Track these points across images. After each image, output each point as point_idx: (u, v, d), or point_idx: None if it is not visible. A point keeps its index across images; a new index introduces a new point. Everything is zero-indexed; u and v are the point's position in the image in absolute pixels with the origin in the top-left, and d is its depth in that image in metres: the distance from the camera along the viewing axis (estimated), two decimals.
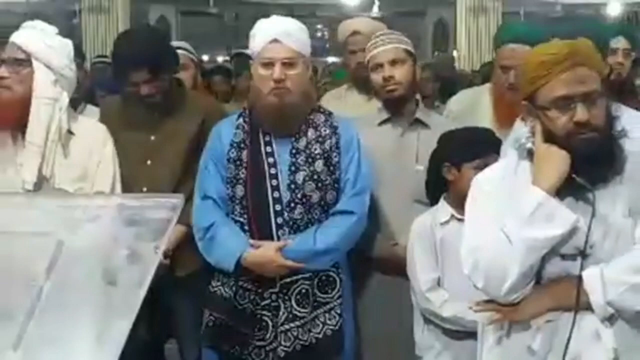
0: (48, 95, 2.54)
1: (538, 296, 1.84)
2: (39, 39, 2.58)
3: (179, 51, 3.29)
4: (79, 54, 3.50)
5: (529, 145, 1.87)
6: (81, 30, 9.97)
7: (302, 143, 2.57)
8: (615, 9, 12.88)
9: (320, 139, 2.58)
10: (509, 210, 1.83)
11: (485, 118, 3.02)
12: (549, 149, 1.81)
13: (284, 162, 2.56)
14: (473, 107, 3.06)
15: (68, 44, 2.66)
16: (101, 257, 1.20)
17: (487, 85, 3.22)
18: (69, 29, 10.56)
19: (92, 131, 2.68)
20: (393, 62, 2.82)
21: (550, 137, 1.82)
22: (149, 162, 2.85)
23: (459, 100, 3.31)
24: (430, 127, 2.85)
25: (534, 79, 1.84)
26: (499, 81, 3.03)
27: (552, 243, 1.79)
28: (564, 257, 1.82)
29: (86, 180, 2.59)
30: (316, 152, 2.56)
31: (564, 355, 1.78)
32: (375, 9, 13.10)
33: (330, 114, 2.68)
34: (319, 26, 16.44)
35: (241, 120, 2.63)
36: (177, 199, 1.20)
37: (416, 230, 2.63)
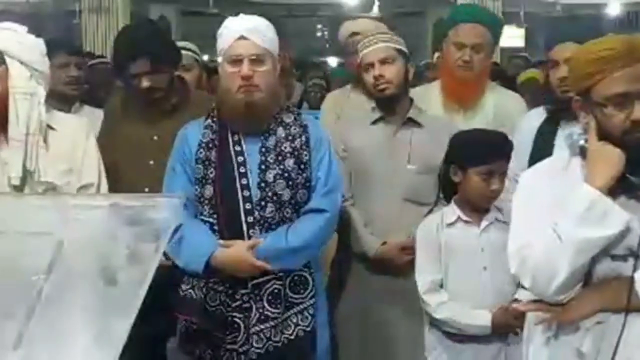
0: (24, 90, 2.56)
1: (588, 296, 1.80)
2: (9, 37, 2.61)
3: (184, 52, 3.29)
4: (82, 54, 3.49)
5: (582, 142, 1.83)
6: (81, 30, 9.96)
7: (272, 141, 2.55)
8: (615, 9, 12.87)
9: (290, 137, 2.56)
10: (560, 208, 1.78)
11: (437, 108, 3.07)
12: (604, 147, 1.77)
13: (254, 161, 2.53)
14: (423, 101, 3.06)
15: (39, 41, 2.65)
16: (101, 257, 1.20)
17: (438, 81, 3.26)
18: (69, 29, 10.56)
19: (73, 125, 2.65)
20: (383, 61, 2.83)
21: (604, 134, 1.79)
22: (151, 162, 2.84)
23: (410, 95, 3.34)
24: (423, 126, 2.85)
25: (589, 74, 1.79)
26: (450, 58, 3.07)
27: (604, 243, 1.75)
28: (614, 257, 1.78)
29: (73, 174, 2.59)
30: (286, 150, 2.54)
31: (612, 358, 1.74)
32: (375, 9, 13.09)
33: (299, 113, 2.67)
34: (319, 26, 16.44)
35: (209, 120, 2.60)
36: (178, 199, 1.20)
37: (421, 232, 2.63)
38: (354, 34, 3.46)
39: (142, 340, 2.50)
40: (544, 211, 1.82)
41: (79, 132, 2.63)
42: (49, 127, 2.61)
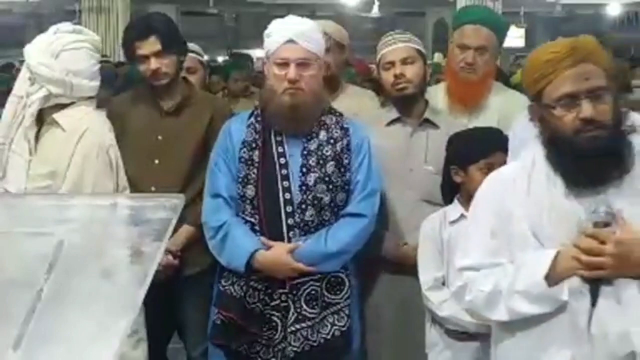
0: (17, 93, 2.59)
1: None
2: (34, 39, 2.63)
3: (189, 54, 3.29)
4: None
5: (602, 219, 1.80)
6: None
7: (314, 144, 2.57)
8: (615, 9, 12.89)
9: (331, 141, 2.59)
10: (511, 243, 1.86)
11: (442, 110, 3.03)
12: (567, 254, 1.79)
13: (295, 163, 2.56)
14: (431, 102, 3.05)
15: (56, 42, 2.62)
16: (102, 257, 1.20)
17: (443, 83, 3.25)
18: None
19: (73, 126, 2.63)
20: (404, 61, 2.82)
21: (556, 137, 1.81)
22: (156, 161, 2.85)
23: None
24: (439, 127, 2.85)
25: (538, 78, 1.83)
26: (455, 60, 3.04)
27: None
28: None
29: (57, 177, 2.57)
30: (327, 154, 2.56)
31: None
32: (375, 9, 13.10)
33: (341, 115, 2.68)
34: None
35: (253, 119, 2.63)
36: (178, 199, 1.19)
37: (424, 229, 2.63)
38: (324, 34, 3.43)
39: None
40: (494, 232, 1.89)
41: (72, 136, 2.61)
42: (59, 125, 2.61)
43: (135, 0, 10.48)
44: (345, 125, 2.63)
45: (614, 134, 1.79)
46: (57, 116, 2.62)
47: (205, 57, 4.31)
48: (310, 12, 14.23)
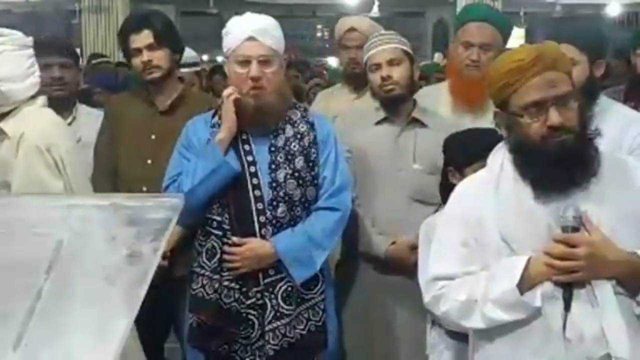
0: None
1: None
2: None
3: (184, 70, 3.31)
4: (73, 55, 3.42)
5: (571, 224, 1.81)
6: (81, 30, 9.98)
7: (281, 141, 2.56)
8: (615, 9, 12.88)
9: (298, 136, 2.57)
10: (484, 250, 1.87)
11: (446, 109, 3.05)
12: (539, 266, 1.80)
13: (263, 160, 2.54)
14: (434, 101, 3.06)
15: None
16: (101, 256, 1.20)
17: (444, 83, 3.24)
18: (69, 29, 10.57)
19: (14, 134, 2.51)
20: (391, 62, 2.82)
21: (523, 143, 1.83)
22: (149, 161, 2.84)
23: (420, 95, 3.29)
24: (428, 126, 2.85)
25: (504, 86, 1.84)
26: (458, 59, 3.03)
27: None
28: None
29: (9, 188, 2.49)
30: (295, 149, 2.55)
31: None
32: (375, 9, 13.08)
33: (305, 109, 2.68)
34: (319, 26, 16.42)
35: (217, 118, 2.60)
36: (177, 199, 1.20)
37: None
38: (352, 29, 3.48)
39: (141, 341, 2.52)
40: (465, 240, 1.91)
41: (14, 139, 2.49)
42: (5, 133, 2.52)
43: (135, 0, 10.48)
44: (310, 119, 2.62)
45: (580, 138, 1.81)
46: (2, 125, 2.53)
47: (205, 57, 4.33)
48: (311, 12, 14.23)
